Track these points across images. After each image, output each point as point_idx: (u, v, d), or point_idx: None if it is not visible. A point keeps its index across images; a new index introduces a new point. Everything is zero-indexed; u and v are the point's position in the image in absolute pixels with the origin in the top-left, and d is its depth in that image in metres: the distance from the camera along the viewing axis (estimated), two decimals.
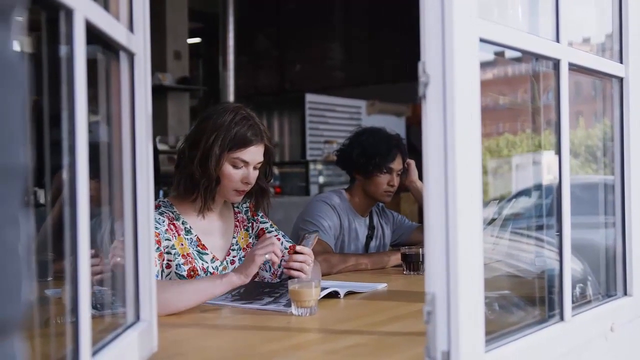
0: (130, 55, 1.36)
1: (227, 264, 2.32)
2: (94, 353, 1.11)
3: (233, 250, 2.36)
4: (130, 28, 1.36)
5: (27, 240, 0.63)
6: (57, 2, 0.96)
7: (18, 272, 0.61)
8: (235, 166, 2.22)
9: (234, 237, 2.37)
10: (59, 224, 1.08)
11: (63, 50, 1.03)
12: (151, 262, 1.42)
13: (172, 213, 2.25)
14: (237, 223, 2.41)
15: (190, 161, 2.21)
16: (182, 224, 2.25)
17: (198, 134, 2.23)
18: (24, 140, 0.62)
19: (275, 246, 2.03)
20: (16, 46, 0.62)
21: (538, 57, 1.58)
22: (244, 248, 2.38)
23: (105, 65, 1.33)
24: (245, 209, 2.46)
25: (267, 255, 1.99)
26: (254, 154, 2.24)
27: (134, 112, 1.38)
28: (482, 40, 1.26)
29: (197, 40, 10.10)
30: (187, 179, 2.23)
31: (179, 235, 2.22)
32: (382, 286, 2.38)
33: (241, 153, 2.21)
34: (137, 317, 1.39)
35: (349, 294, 2.20)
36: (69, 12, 1.00)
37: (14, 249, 0.60)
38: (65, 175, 1.03)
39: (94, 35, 1.13)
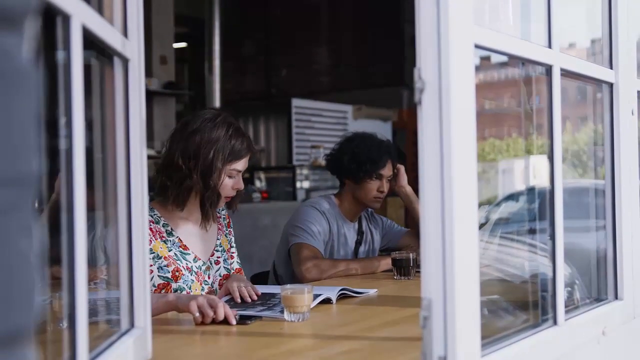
0: (125, 61, 1.35)
1: (211, 263, 2.38)
2: None
3: (217, 251, 2.43)
4: (125, 34, 1.36)
5: (38, 248, 0.62)
6: (55, 7, 0.96)
7: (31, 280, 0.60)
8: (230, 176, 2.31)
9: (218, 239, 2.44)
10: (49, 229, 1.08)
11: (60, 55, 1.02)
12: (145, 269, 1.41)
13: (152, 216, 2.28)
14: (220, 226, 2.48)
15: (187, 175, 2.24)
16: (163, 226, 2.30)
17: (191, 147, 2.25)
18: (37, 149, 0.62)
19: (215, 311, 1.86)
20: (29, 53, 0.62)
21: (531, 62, 1.59)
22: (227, 250, 2.47)
23: (99, 70, 1.33)
24: (223, 216, 2.52)
25: (197, 314, 1.85)
26: (246, 162, 2.35)
27: (128, 118, 1.37)
28: (477, 46, 1.26)
29: (183, 44, 10.07)
30: (186, 192, 2.27)
31: (156, 239, 2.25)
32: (373, 291, 2.38)
33: (238, 164, 2.31)
34: (132, 324, 1.38)
35: (342, 297, 2.21)
36: (66, 18, 1.00)
37: (27, 258, 0.60)
38: (60, 181, 1.03)
39: (89, 41, 1.13)
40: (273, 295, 2.20)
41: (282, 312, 1.92)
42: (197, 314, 1.85)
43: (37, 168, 0.62)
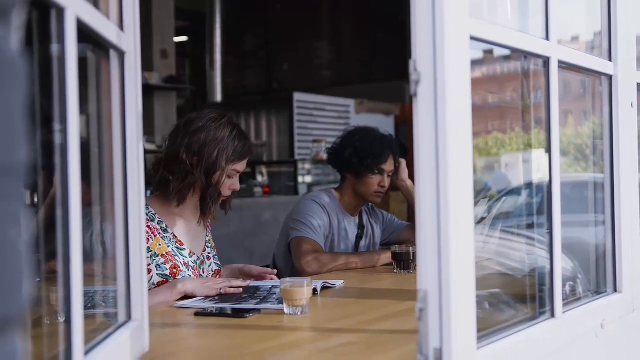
0: (121, 54, 1.35)
1: (204, 258, 2.44)
2: (86, 352, 1.10)
3: (208, 247, 2.48)
4: (121, 26, 1.35)
5: (27, 237, 0.63)
6: (49, 0, 0.96)
7: (20, 269, 0.61)
8: (229, 176, 2.35)
9: (207, 236, 2.50)
10: (48, 225, 1.08)
11: (54, 48, 1.02)
12: (142, 261, 1.41)
13: (147, 214, 2.28)
14: (208, 225, 2.53)
15: (190, 171, 2.27)
16: (158, 223, 2.32)
17: (195, 144, 2.28)
18: (25, 139, 0.62)
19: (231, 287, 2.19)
20: (16, 45, 0.62)
21: (528, 54, 1.58)
22: (213, 247, 2.53)
23: (95, 64, 1.33)
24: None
25: (221, 290, 2.15)
26: (245, 164, 2.40)
27: (125, 112, 1.37)
28: (472, 38, 1.26)
29: (184, 38, 10.07)
30: (187, 188, 2.30)
31: (155, 236, 2.28)
32: (340, 283, 2.41)
33: (238, 165, 2.36)
34: (129, 317, 1.38)
35: (341, 291, 2.23)
36: (60, 11, 1.00)
37: (15, 246, 0.61)
38: (55, 175, 1.03)
39: (84, 34, 1.12)
40: (258, 288, 2.22)
41: (280, 302, 1.93)
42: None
43: (26, 158, 0.63)
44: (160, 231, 2.30)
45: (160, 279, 2.23)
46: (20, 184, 0.62)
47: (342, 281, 2.44)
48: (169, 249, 2.28)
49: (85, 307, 1.17)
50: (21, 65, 0.62)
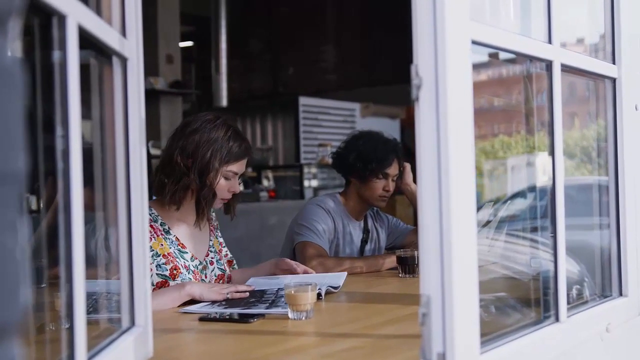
0: (123, 60, 1.36)
1: (206, 263, 2.43)
2: (89, 358, 1.11)
3: (211, 251, 2.47)
4: (123, 33, 1.36)
5: (25, 245, 0.63)
6: (50, 7, 0.96)
7: (17, 276, 0.61)
8: (226, 178, 2.34)
9: (211, 240, 2.49)
10: (53, 231, 1.08)
11: (56, 55, 1.02)
12: (146, 267, 1.42)
13: (150, 215, 2.30)
14: (212, 228, 2.52)
15: (184, 173, 2.28)
16: (161, 225, 2.33)
17: (190, 146, 2.29)
18: (22, 146, 0.63)
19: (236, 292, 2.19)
20: (13, 52, 0.62)
21: (530, 58, 1.58)
22: (218, 251, 2.51)
23: (97, 70, 1.33)
24: (213, 217, 2.58)
25: (228, 295, 2.14)
26: (243, 165, 2.39)
27: (127, 117, 1.38)
28: (474, 42, 1.26)
29: (189, 43, 10.08)
30: (182, 190, 2.30)
31: (157, 236, 2.29)
32: (343, 275, 2.45)
33: (234, 166, 2.34)
34: (132, 322, 1.38)
35: (328, 293, 2.24)
36: (62, 18, 1.00)
37: (12, 254, 0.61)
38: (58, 181, 1.03)
39: (87, 40, 1.13)
40: (264, 292, 2.22)
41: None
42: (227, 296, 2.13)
43: (24, 166, 0.63)
44: (163, 232, 2.31)
45: (160, 279, 2.24)
46: (18, 192, 0.62)
47: (345, 273, 2.47)
48: (171, 250, 2.29)
49: (88, 312, 1.17)
50: (19, 73, 0.62)
